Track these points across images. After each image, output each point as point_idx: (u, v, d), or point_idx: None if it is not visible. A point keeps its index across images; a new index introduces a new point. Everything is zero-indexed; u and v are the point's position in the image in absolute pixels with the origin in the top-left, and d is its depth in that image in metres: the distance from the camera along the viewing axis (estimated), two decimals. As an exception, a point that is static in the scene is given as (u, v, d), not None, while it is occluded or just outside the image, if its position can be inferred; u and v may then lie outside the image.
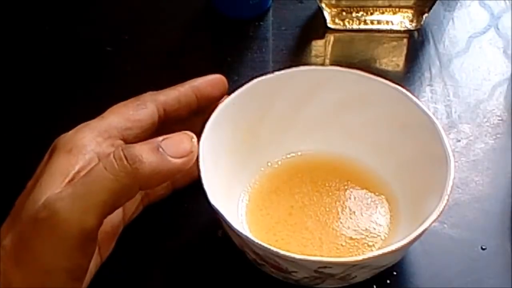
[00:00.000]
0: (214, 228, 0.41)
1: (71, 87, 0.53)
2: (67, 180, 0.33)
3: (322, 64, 0.55)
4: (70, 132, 0.36)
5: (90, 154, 0.34)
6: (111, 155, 0.32)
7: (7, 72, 0.55)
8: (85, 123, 0.37)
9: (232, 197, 0.42)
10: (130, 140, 0.36)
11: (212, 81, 0.40)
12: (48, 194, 0.31)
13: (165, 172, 0.32)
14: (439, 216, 0.36)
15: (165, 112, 0.39)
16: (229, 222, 0.35)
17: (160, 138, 0.33)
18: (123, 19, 0.60)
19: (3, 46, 0.57)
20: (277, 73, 0.44)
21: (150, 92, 0.39)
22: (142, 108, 0.37)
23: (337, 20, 0.57)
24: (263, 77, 0.43)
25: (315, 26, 0.58)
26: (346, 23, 0.57)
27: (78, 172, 0.33)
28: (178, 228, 0.43)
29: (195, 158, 0.34)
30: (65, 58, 0.56)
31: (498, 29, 0.58)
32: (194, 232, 0.43)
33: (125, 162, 0.31)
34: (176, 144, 0.33)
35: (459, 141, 0.48)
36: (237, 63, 0.55)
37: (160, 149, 0.32)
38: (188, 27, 0.59)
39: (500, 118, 0.50)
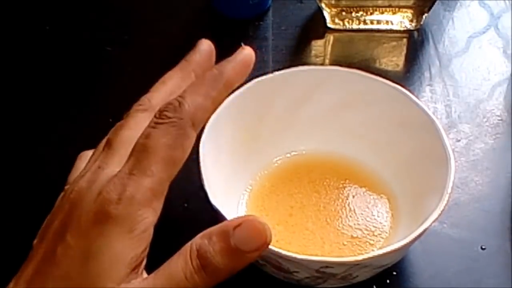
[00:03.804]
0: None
1: (71, 87, 0.53)
2: (131, 268, 0.31)
3: (322, 64, 0.55)
4: (122, 198, 0.31)
5: (150, 230, 0.32)
6: (190, 262, 0.31)
7: (7, 72, 0.55)
8: (131, 181, 0.31)
9: (232, 197, 0.42)
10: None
11: (243, 68, 0.36)
12: (113, 284, 0.30)
13: (239, 268, 0.32)
14: (440, 215, 0.36)
15: None
16: (229, 222, 0.35)
17: (232, 226, 0.31)
18: (123, 19, 0.60)
19: (3, 46, 0.57)
20: (277, 73, 0.44)
21: (186, 106, 0.33)
22: (185, 140, 0.33)
23: (336, 20, 0.57)
24: (263, 77, 0.43)
25: (315, 26, 0.58)
26: (346, 23, 0.57)
27: (142, 253, 0.32)
28: (178, 228, 0.43)
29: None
30: (65, 58, 0.56)
31: (498, 29, 0.58)
32: (194, 232, 0.43)
33: (204, 274, 0.31)
34: (250, 237, 0.32)
35: (459, 141, 0.48)
36: (237, 63, 0.55)
37: (236, 246, 0.31)
38: (188, 27, 0.59)
39: (499, 118, 0.50)
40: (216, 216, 0.37)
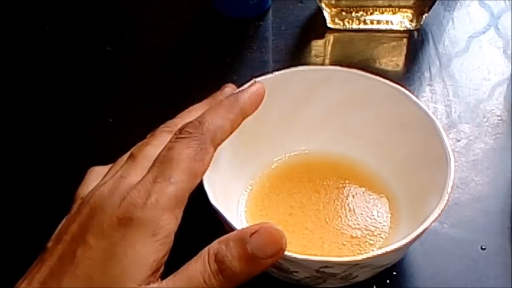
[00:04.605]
0: (214, 228, 0.41)
1: (71, 87, 0.54)
2: (152, 271, 0.32)
3: (322, 64, 0.55)
4: (147, 203, 0.32)
5: (172, 236, 0.33)
6: (208, 266, 0.32)
7: (7, 72, 0.55)
8: (155, 187, 0.32)
9: (232, 197, 0.42)
10: None
11: (257, 98, 0.39)
12: (134, 284, 0.31)
13: (255, 274, 0.33)
14: (439, 215, 0.36)
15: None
16: (229, 222, 0.36)
17: (248, 233, 0.32)
18: (123, 19, 0.60)
19: (3, 46, 0.57)
20: (276, 73, 0.44)
21: (207, 125, 0.35)
22: (206, 154, 0.35)
23: (337, 20, 0.57)
24: (263, 77, 0.43)
25: (315, 26, 0.58)
26: (346, 23, 0.57)
27: (162, 258, 0.32)
28: (178, 228, 0.43)
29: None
30: (65, 58, 0.56)
31: (498, 29, 0.58)
32: (194, 232, 0.43)
33: (221, 277, 0.32)
34: (266, 244, 0.32)
35: (459, 141, 0.48)
36: (237, 63, 0.55)
37: (252, 252, 0.32)
38: (188, 27, 0.59)
39: (500, 118, 0.50)
40: (216, 217, 0.37)
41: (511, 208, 0.44)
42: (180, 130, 0.35)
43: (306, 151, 0.46)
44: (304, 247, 0.40)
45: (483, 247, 0.42)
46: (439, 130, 0.40)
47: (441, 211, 0.36)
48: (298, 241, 0.40)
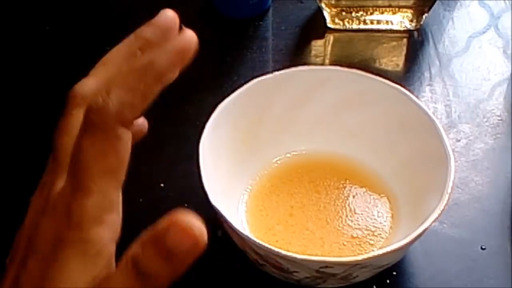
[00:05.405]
0: (214, 228, 0.41)
1: (70, 87, 0.53)
2: None
3: (322, 64, 0.55)
4: (71, 224, 0.30)
5: (109, 247, 0.31)
6: (127, 272, 0.30)
7: (7, 72, 0.55)
8: (75, 203, 0.30)
9: (232, 197, 0.42)
10: None
11: (181, 56, 0.30)
12: None
13: (180, 271, 0.30)
14: (440, 215, 0.36)
15: None
16: (230, 222, 0.36)
17: (163, 229, 0.29)
18: (123, 19, 0.60)
19: (3, 46, 0.57)
20: (276, 73, 0.44)
21: (111, 105, 0.30)
22: (117, 141, 0.30)
23: (336, 20, 0.57)
24: (263, 77, 0.43)
25: (315, 26, 0.58)
26: (346, 23, 0.57)
27: (100, 272, 0.31)
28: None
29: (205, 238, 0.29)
30: (65, 58, 0.56)
31: (498, 29, 0.58)
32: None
33: (143, 281, 0.30)
34: (181, 240, 0.29)
35: (458, 141, 0.48)
36: (237, 63, 0.55)
37: (170, 250, 0.29)
38: (188, 27, 0.59)
39: (499, 118, 0.50)
40: (216, 216, 0.37)
41: (511, 208, 0.44)
42: (86, 116, 0.30)
43: (307, 151, 0.46)
44: (304, 247, 0.40)
45: (483, 247, 0.42)
46: (439, 130, 0.40)
47: (441, 211, 0.36)
48: (298, 241, 0.40)
